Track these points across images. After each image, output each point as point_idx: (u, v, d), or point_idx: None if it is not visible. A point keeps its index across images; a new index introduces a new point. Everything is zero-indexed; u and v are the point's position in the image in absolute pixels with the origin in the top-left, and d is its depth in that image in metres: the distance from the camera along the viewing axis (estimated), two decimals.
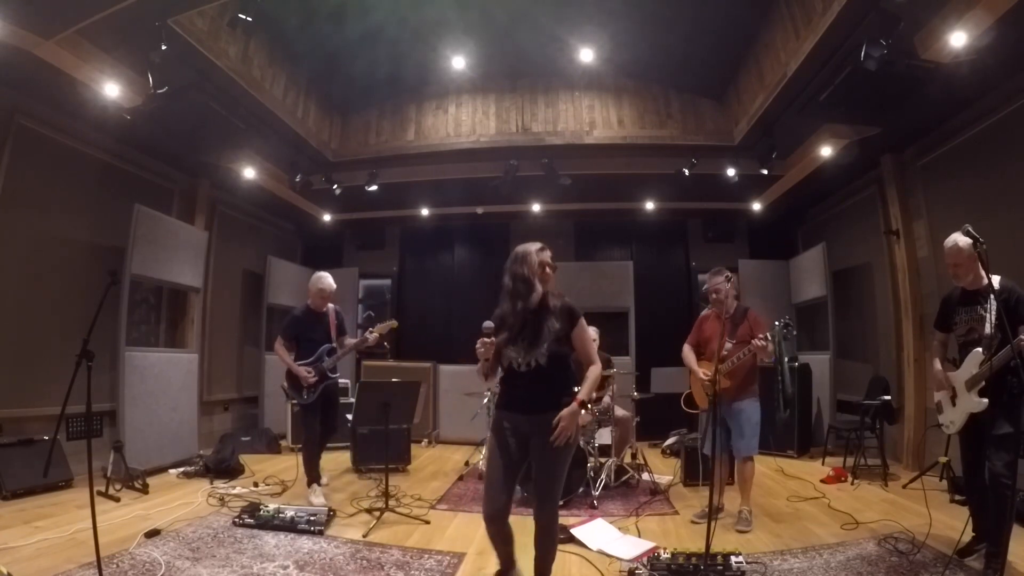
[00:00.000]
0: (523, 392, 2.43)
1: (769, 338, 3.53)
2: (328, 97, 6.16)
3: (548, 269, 2.51)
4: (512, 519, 2.50)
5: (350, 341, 4.75)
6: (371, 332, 4.61)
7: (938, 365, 3.14)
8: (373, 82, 5.86)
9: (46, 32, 3.69)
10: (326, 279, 4.63)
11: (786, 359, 3.67)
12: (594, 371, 2.45)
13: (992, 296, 2.76)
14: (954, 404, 2.99)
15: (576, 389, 2.46)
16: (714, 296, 3.88)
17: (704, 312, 4.11)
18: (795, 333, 3.55)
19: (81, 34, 3.82)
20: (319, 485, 4.43)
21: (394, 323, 4.75)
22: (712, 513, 2.86)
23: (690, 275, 8.24)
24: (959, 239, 2.84)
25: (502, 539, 2.49)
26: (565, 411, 2.32)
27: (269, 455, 6.14)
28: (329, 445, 4.78)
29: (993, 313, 2.77)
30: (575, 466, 4.25)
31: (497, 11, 4.91)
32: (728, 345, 3.68)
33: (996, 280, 2.81)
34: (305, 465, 4.42)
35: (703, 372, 3.79)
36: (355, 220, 8.37)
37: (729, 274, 3.64)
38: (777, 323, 3.55)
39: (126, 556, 2.98)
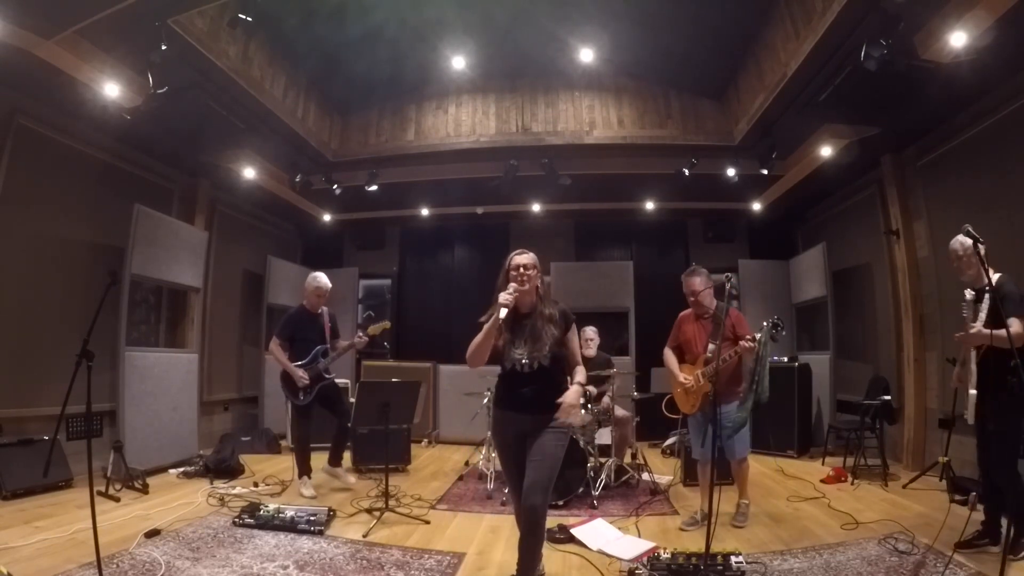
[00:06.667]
0: (527, 393, 2.52)
1: (757, 338, 3.44)
2: (328, 97, 6.16)
3: (520, 271, 2.54)
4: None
5: (343, 343, 4.78)
6: (359, 337, 4.62)
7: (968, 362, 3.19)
8: (373, 82, 5.86)
9: (46, 32, 3.69)
10: (322, 279, 4.68)
11: (768, 361, 3.56)
12: (581, 367, 2.69)
13: (987, 293, 2.81)
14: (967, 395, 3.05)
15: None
16: (692, 299, 3.79)
17: (683, 313, 3.96)
18: (784, 333, 3.44)
19: (81, 34, 3.82)
20: (310, 478, 4.56)
21: (386, 324, 4.82)
22: (709, 516, 2.85)
23: None
24: (959, 238, 2.98)
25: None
26: (571, 390, 2.49)
27: (269, 455, 6.15)
28: (327, 445, 4.75)
29: (985, 311, 2.84)
30: (575, 466, 4.26)
31: (497, 11, 4.90)
32: (711, 347, 3.57)
33: (995, 277, 2.86)
34: (297, 460, 4.61)
35: (683, 376, 3.73)
36: (355, 220, 8.37)
37: (729, 275, 3.57)
38: (765, 323, 3.46)
39: (126, 556, 2.99)
